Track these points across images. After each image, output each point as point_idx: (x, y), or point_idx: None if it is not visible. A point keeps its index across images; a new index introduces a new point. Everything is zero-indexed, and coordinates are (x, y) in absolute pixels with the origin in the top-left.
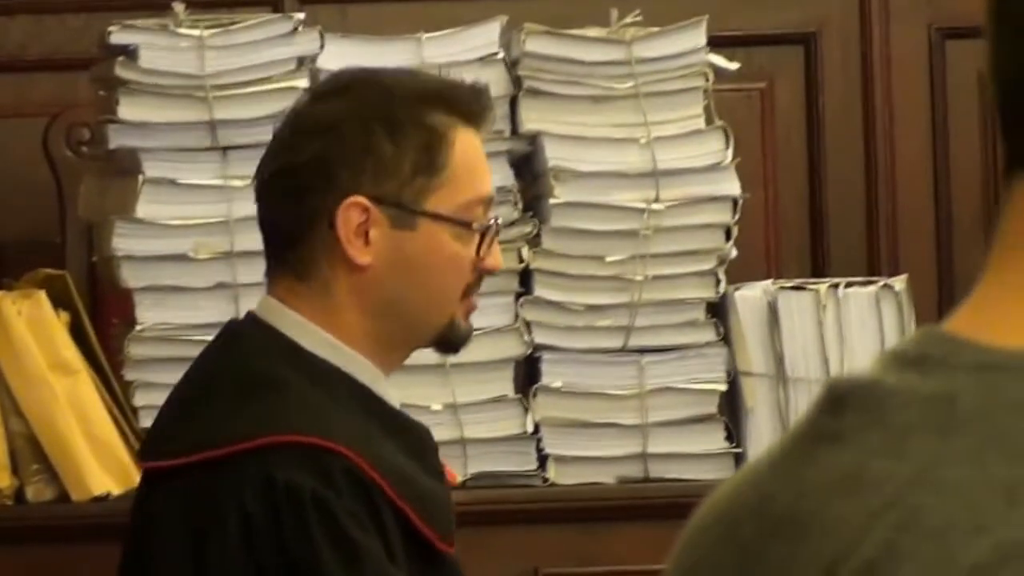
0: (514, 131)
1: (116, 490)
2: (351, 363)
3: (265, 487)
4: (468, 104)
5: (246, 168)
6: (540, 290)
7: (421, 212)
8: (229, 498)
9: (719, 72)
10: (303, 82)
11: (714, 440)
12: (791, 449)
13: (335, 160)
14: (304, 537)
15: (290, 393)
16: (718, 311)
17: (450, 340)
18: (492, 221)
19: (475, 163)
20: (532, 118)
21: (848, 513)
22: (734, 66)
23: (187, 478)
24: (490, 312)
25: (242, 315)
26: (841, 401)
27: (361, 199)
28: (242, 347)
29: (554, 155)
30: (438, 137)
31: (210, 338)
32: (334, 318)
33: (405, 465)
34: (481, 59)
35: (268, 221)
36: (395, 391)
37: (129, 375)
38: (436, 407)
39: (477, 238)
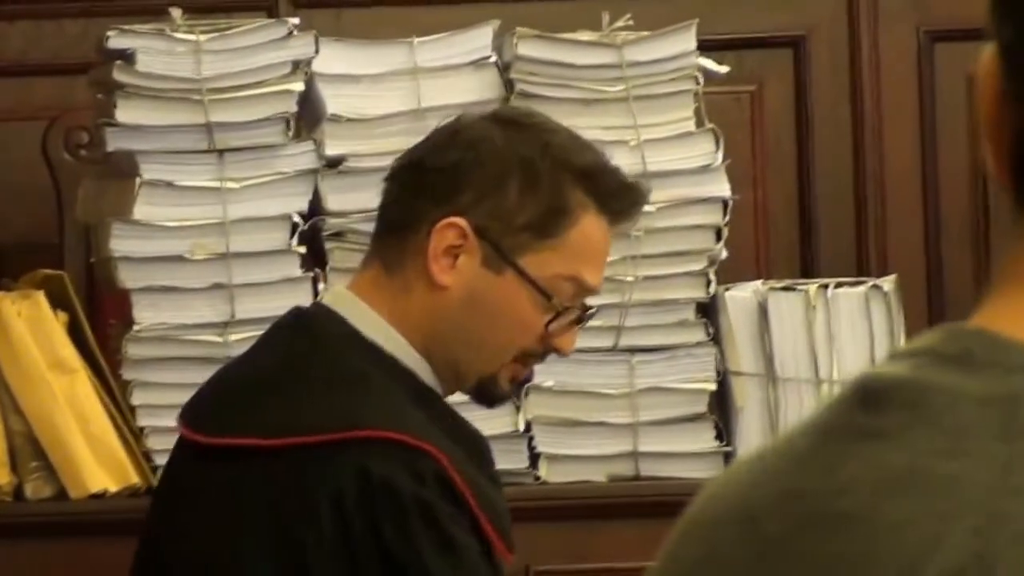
0: None
1: (113, 487)
2: (417, 365)
3: (360, 479)
4: (610, 196)
5: (242, 170)
6: None
7: (511, 263)
8: (322, 488)
9: (709, 75)
10: (298, 85)
11: (704, 439)
12: (818, 445)
13: (464, 179)
14: (409, 539)
15: (377, 390)
16: (708, 311)
17: (486, 394)
18: (579, 306)
19: (588, 248)
20: None
21: (912, 515)
22: (724, 69)
23: (271, 460)
24: None
25: (237, 314)
26: (880, 398)
27: (463, 222)
28: (321, 338)
29: None
30: (564, 210)
31: (207, 337)
32: (404, 318)
33: (474, 473)
34: (474, 63)
35: (385, 205)
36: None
37: (126, 374)
38: None
39: (552, 313)
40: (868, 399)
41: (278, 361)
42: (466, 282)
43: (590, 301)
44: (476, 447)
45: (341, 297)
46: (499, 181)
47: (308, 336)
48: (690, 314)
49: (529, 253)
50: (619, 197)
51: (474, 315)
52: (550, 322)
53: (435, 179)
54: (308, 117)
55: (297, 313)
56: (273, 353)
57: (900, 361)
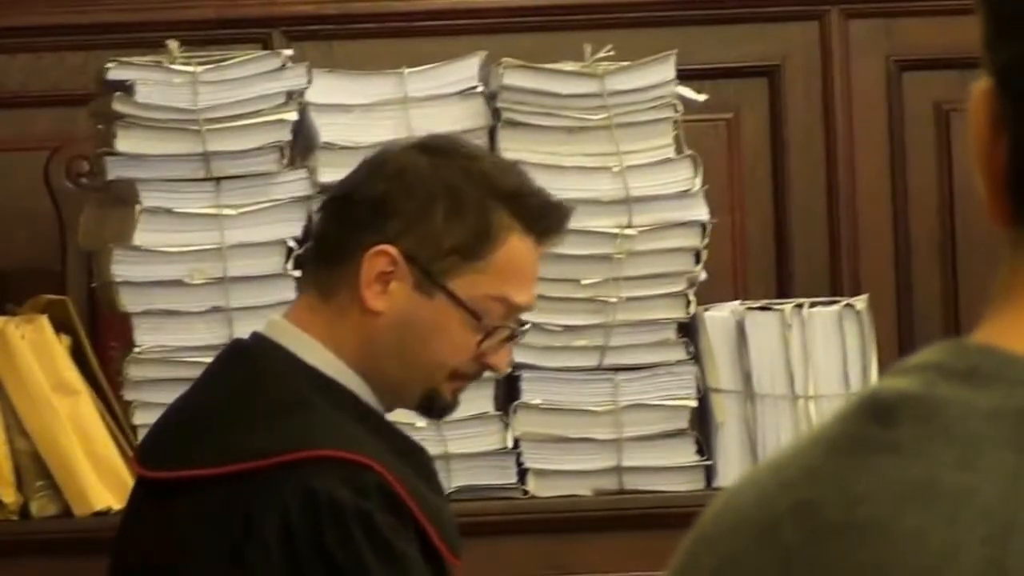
0: None
1: (116, 505)
2: (357, 387)
3: (306, 498)
4: (535, 216)
5: (238, 197)
6: None
7: (441, 286)
8: (269, 508)
9: (687, 103)
10: (292, 115)
11: (685, 453)
12: (830, 457)
13: (392, 208)
14: (351, 549)
15: (318, 413)
16: (688, 331)
17: (431, 408)
18: (509, 325)
19: (515, 269)
20: (511, 148)
21: (928, 525)
22: (702, 98)
23: (217, 488)
24: None
25: (235, 336)
26: (892, 412)
27: (392, 250)
28: (260, 367)
29: None
30: (490, 233)
31: (206, 359)
32: (342, 342)
33: (418, 484)
34: (461, 92)
35: (318, 236)
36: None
37: (128, 395)
38: (421, 424)
39: (483, 332)
40: (879, 412)
41: (222, 393)
42: (398, 306)
43: (570, 321)
44: (419, 460)
45: (278, 326)
46: (426, 208)
47: (249, 367)
48: (671, 334)
49: (458, 276)
50: (544, 217)
51: (407, 337)
52: (481, 341)
53: (364, 209)
54: (301, 146)
55: (236, 345)
56: (217, 386)
57: (907, 376)
